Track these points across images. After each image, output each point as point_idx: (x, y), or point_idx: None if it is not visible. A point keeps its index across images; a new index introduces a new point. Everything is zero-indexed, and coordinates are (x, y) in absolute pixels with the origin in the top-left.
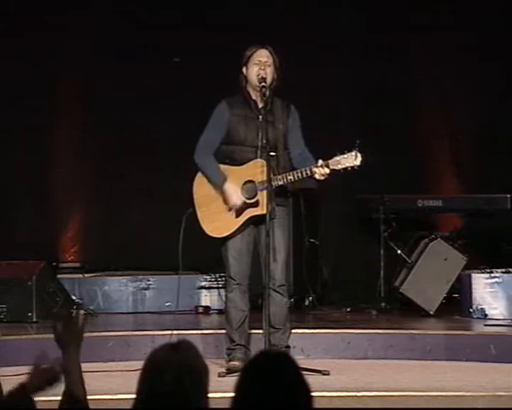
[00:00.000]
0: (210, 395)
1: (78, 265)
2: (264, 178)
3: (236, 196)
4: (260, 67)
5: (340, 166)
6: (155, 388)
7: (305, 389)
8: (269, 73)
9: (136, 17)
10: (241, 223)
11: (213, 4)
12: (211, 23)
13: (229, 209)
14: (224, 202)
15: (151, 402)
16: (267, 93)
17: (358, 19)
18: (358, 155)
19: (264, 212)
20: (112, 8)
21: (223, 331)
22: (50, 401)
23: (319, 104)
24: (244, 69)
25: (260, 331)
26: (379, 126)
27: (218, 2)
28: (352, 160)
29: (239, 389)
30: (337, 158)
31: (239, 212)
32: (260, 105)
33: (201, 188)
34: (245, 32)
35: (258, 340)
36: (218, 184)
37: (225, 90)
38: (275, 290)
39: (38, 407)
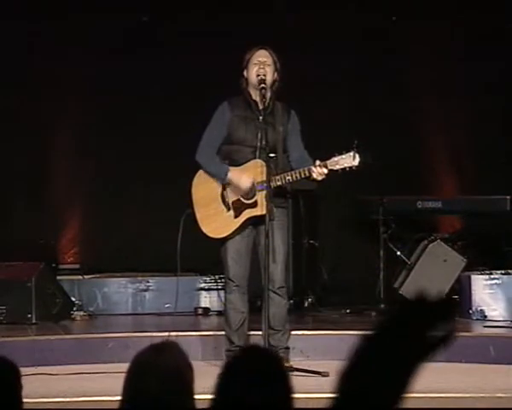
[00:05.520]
0: (209, 396)
1: (77, 266)
2: (263, 179)
3: (245, 179)
4: (260, 66)
5: (338, 167)
6: (140, 390)
7: (286, 389)
8: (268, 73)
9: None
10: (239, 223)
11: (213, 5)
12: (210, 23)
13: (244, 197)
14: (233, 194)
15: (136, 405)
16: (267, 94)
17: (358, 20)
18: (356, 155)
19: (263, 212)
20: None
21: (222, 333)
22: (49, 402)
23: (318, 104)
24: (245, 72)
25: (260, 333)
26: (378, 127)
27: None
28: (350, 160)
29: (217, 388)
30: (335, 158)
31: (239, 211)
32: (261, 106)
33: (200, 189)
34: (246, 33)
35: (257, 341)
36: (222, 178)
37: (224, 94)
38: (274, 292)
39: (37, 407)
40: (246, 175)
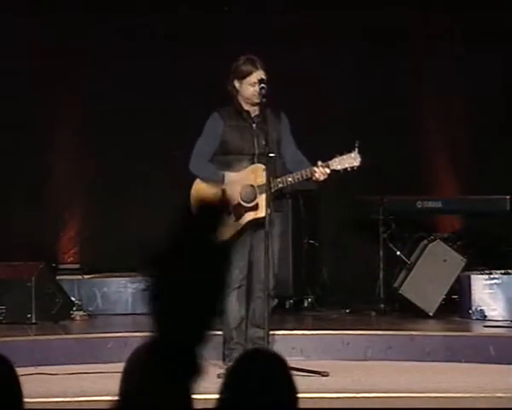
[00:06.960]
0: (208, 396)
1: (77, 266)
2: (264, 182)
3: (235, 188)
4: (259, 85)
5: (339, 167)
6: (135, 390)
7: (291, 390)
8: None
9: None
10: (240, 227)
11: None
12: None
13: (245, 200)
14: (233, 198)
15: (131, 404)
16: (263, 91)
17: (358, 20)
18: (358, 155)
19: (265, 214)
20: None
21: (221, 333)
22: (49, 401)
23: (318, 104)
24: (236, 83)
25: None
26: (378, 127)
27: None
28: (351, 160)
29: (224, 390)
30: (337, 159)
31: (240, 214)
32: (253, 114)
33: (200, 193)
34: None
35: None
36: (220, 180)
37: (223, 94)
38: (263, 291)
39: (37, 407)
40: (236, 187)
